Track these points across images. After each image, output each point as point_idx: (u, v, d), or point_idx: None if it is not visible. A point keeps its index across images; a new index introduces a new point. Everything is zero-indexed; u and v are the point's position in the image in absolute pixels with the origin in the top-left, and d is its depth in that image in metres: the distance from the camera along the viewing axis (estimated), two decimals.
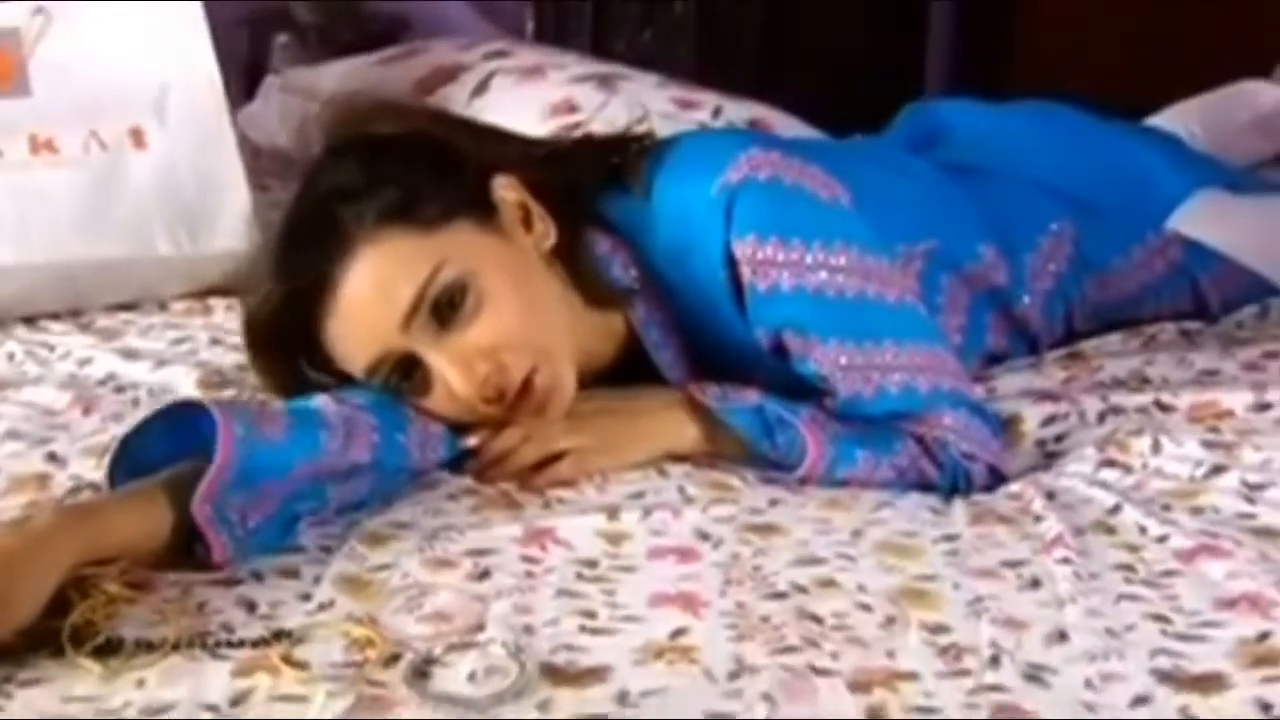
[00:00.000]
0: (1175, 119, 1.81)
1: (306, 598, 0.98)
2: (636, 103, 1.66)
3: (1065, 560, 1.01)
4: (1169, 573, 1.00)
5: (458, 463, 1.16)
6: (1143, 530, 1.06)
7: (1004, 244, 1.37)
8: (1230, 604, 0.96)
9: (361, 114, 1.24)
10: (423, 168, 1.14)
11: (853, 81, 2.77)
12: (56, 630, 0.91)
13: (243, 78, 2.42)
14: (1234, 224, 1.48)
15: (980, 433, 1.19)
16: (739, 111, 1.82)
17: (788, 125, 1.79)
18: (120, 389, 1.33)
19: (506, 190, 1.17)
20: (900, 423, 1.17)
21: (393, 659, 0.90)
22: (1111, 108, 1.64)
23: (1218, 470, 1.13)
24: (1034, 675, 0.88)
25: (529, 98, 1.79)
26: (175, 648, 0.91)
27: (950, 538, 1.07)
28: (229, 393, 1.29)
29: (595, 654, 0.91)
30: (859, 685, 0.87)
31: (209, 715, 0.85)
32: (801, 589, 0.99)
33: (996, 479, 1.19)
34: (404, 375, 1.12)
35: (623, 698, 0.86)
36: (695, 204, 1.19)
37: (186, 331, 1.49)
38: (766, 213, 1.17)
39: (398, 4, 2.82)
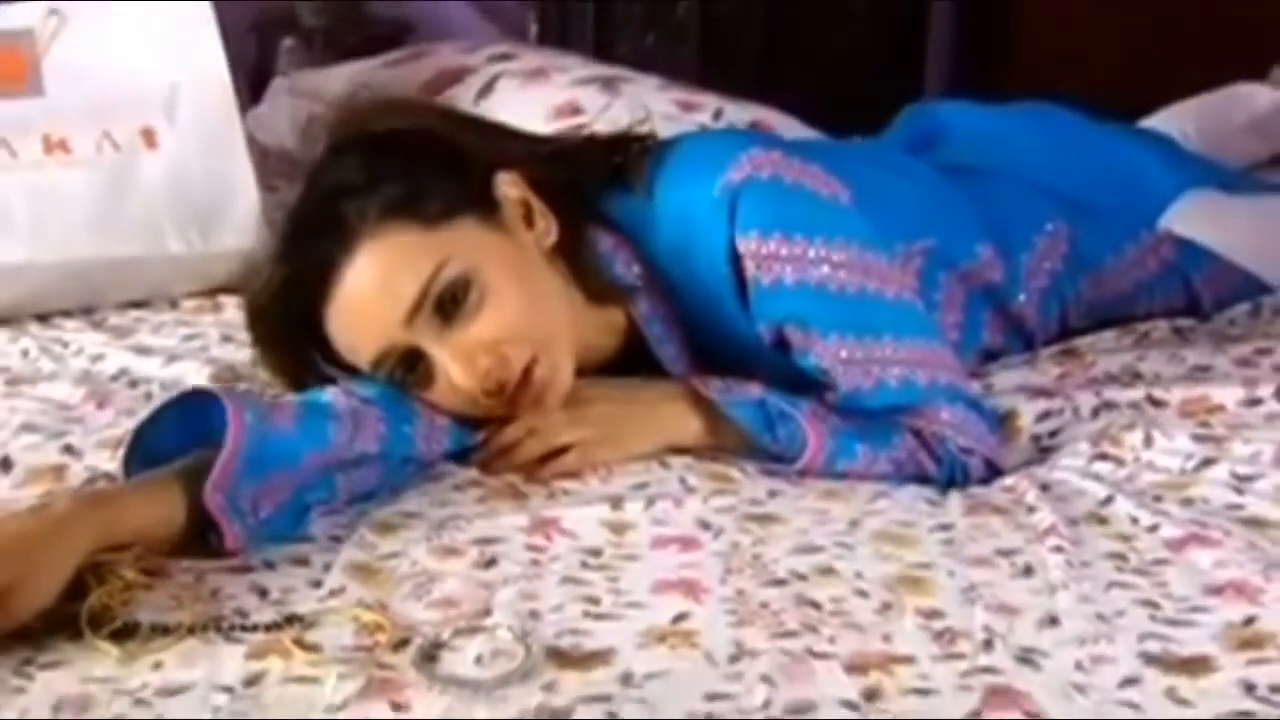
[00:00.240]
0: (1170, 120, 1.84)
1: (317, 584, 1.00)
2: (639, 105, 1.68)
3: (1058, 549, 1.04)
4: (1159, 561, 1.03)
5: (463, 454, 1.19)
6: (1134, 520, 1.09)
7: (1000, 243, 1.40)
8: (1218, 590, 0.98)
9: (366, 110, 1.26)
10: (427, 164, 1.16)
11: (853, 83, 2.79)
12: (75, 614, 0.93)
13: (249, 81, 2.44)
14: (1226, 223, 1.51)
15: (977, 427, 1.21)
16: (740, 113, 1.85)
17: (788, 127, 1.82)
18: (133, 384, 1.36)
19: (509, 187, 1.19)
20: (899, 417, 1.20)
21: (402, 643, 0.92)
22: (1108, 109, 1.67)
23: (1208, 463, 1.16)
24: (1026, 658, 0.90)
25: (533, 100, 1.81)
26: (190, 631, 0.93)
27: (946, 527, 1.10)
28: (241, 387, 1.31)
29: (599, 638, 0.93)
30: (856, 668, 0.90)
31: (224, 696, 0.87)
32: (800, 576, 1.01)
33: (993, 472, 1.21)
34: (408, 368, 1.15)
35: (626, 679, 0.89)
36: (698, 202, 1.21)
37: (197, 329, 1.51)
38: (769, 210, 1.20)
39: (402, 8, 2.85)
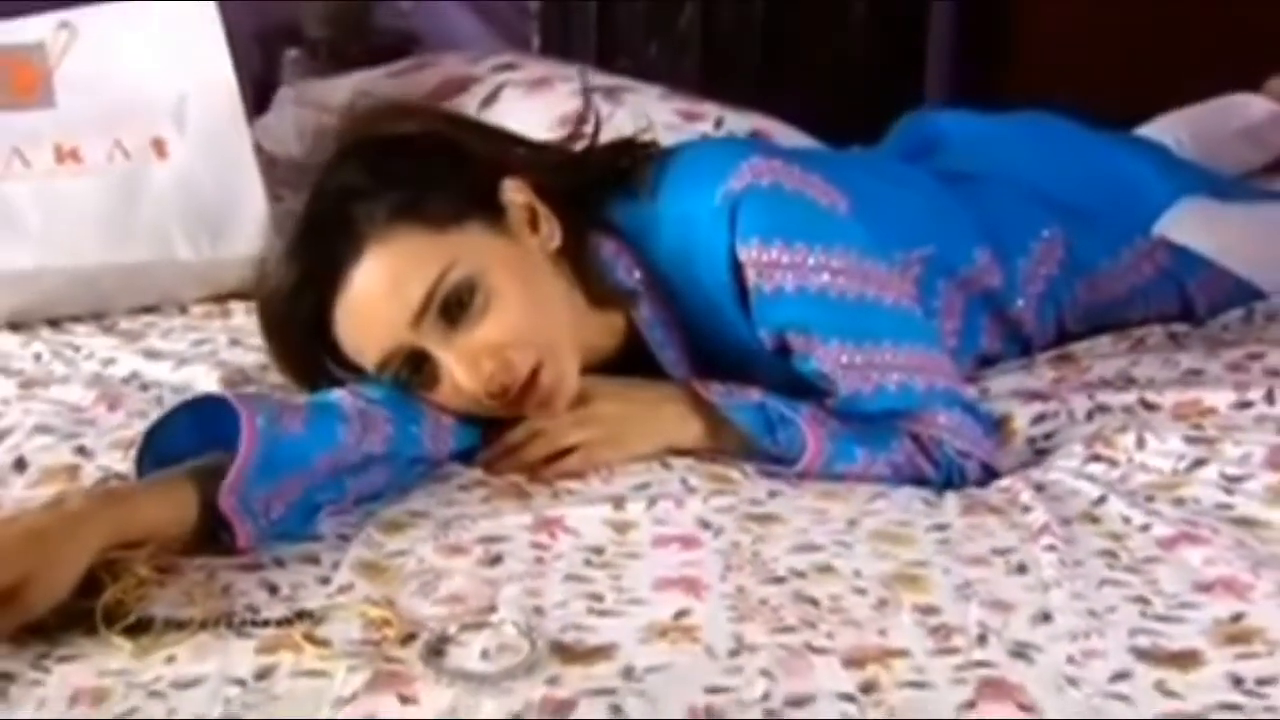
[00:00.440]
0: (1164, 128, 1.86)
1: (326, 581, 1.02)
2: (641, 114, 1.70)
3: (1051, 547, 1.06)
4: (1150, 559, 1.05)
5: (469, 454, 1.21)
6: (1126, 520, 1.11)
7: (998, 249, 1.42)
8: (1207, 587, 1.00)
9: (374, 114, 1.27)
10: (434, 168, 1.18)
11: (853, 92, 2.82)
12: (89, 610, 0.95)
13: (253, 92, 2.46)
14: (1219, 229, 1.53)
15: (974, 431, 1.23)
16: (740, 122, 1.87)
17: (788, 136, 1.84)
18: (144, 387, 1.38)
19: (515, 192, 1.21)
20: (897, 421, 1.22)
21: (409, 638, 0.94)
22: (1107, 116, 1.69)
23: (1199, 464, 1.18)
24: (1019, 652, 0.92)
25: (537, 109, 1.83)
26: (203, 626, 0.95)
27: (942, 527, 1.12)
28: (250, 389, 1.33)
29: (602, 633, 0.95)
30: (853, 662, 0.92)
31: (236, 689, 0.89)
32: (799, 574, 1.03)
33: (989, 475, 1.23)
34: (413, 369, 1.17)
35: (628, 673, 0.90)
36: (700, 210, 1.23)
37: (206, 334, 1.54)
38: (769, 218, 1.22)
39: (406, 19, 2.87)
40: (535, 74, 2.00)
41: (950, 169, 1.50)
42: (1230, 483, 1.15)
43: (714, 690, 0.89)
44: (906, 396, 1.22)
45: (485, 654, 0.93)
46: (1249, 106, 1.96)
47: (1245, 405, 1.27)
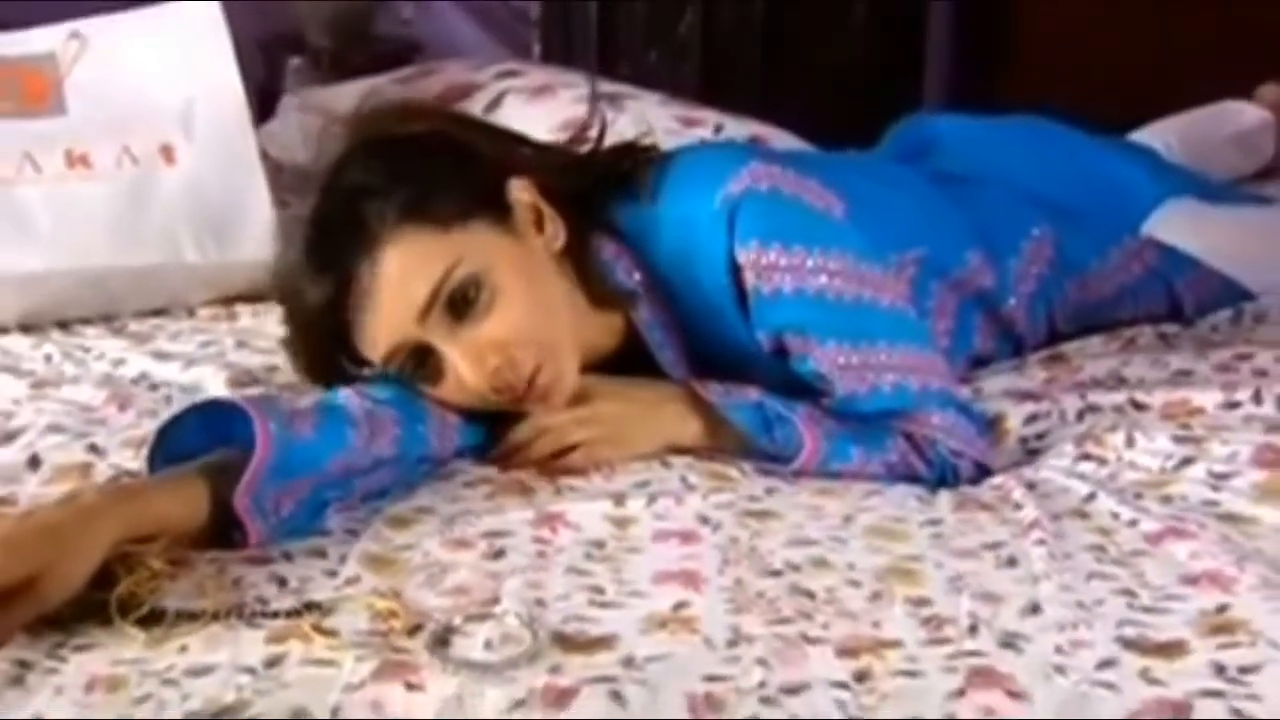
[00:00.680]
0: (1156, 134, 1.89)
1: (333, 574, 1.05)
2: (641, 120, 1.73)
3: (1041, 542, 1.08)
4: (1137, 553, 1.07)
5: (473, 451, 1.23)
6: (1115, 516, 1.13)
7: (989, 249, 1.45)
8: (1193, 580, 1.03)
9: (384, 114, 1.30)
10: (442, 167, 1.20)
11: (852, 98, 2.84)
12: (103, 601, 0.98)
13: (257, 99, 2.49)
14: (1206, 230, 1.56)
15: (967, 431, 1.26)
16: (739, 129, 1.90)
17: (785, 141, 1.87)
18: (153, 387, 1.41)
19: (521, 192, 1.23)
20: (892, 421, 1.24)
21: (415, 628, 0.97)
22: (1104, 120, 1.72)
23: (1187, 462, 1.21)
24: (1009, 642, 0.95)
25: (539, 116, 1.86)
26: (214, 618, 0.98)
27: (935, 522, 1.14)
28: (257, 390, 1.36)
29: (603, 624, 0.98)
30: (847, 651, 0.94)
31: (247, 677, 0.91)
32: (795, 567, 1.06)
33: (982, 474, 1.25)
34: (418, 364, 1.19)
35: (628, 662, 0.93)
36: (699, 214, 1.26)
37: (213, 336, 1.56)
38: (768, 221, 1.24)
39: (408, 27, 2.90)
40: (537, 81, 2.03)
41: (943, 171, 1.53)
42: (1217, 480, 1.18)
43: (712, 679, 0.91)
44: (901, 397, 1.24)
45: (489, 644, 0.95)
46: (1240, 113, 1.99)
47: (1233, 405, 1.30)
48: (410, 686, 0.90)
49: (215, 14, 1.77)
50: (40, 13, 1.75)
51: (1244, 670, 0.91)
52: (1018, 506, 1.16)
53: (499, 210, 1.22)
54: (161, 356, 1.48)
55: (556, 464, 1.21)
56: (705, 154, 1.40)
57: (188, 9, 1.77)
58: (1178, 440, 1.24)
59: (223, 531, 1.07)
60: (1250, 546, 1.07)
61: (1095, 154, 1.63)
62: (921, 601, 1.01)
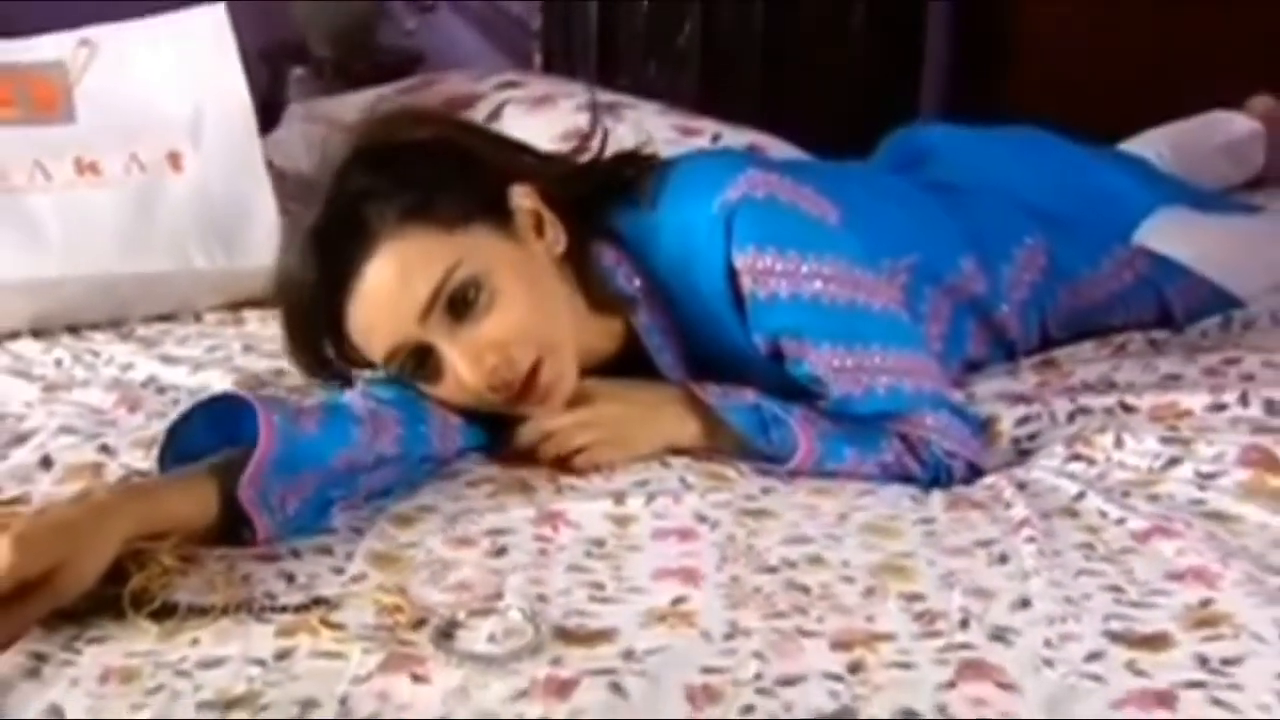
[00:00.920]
0: (1147, 143, 1.92)
1: (340, 571, 1.07)
2: (641, 129, 1.76)
3: (1031, 539, 1.11)
4: (1125, 550, 1.10)
5: (476, 452, 1.26)
6: (1103, 514, 1.16)
7: (982, 256, 1.47)
8: (1179, 576, 1.05)
9: (391, 120, 1.32)
10: (445, 172, 1.23)
11: (849, 109, 2.87)
12: (116, 596, 1.00)
13: (260, 110, 2.51)
14: (1196, 238, 1.59)
15: (960, 432, 1.28)
16: (737, 138, 1.93)
17: (782, 150, 1.90)
18: (162, 390, 1.43)
19: (522, 198, 1.26)
20: (886, 422, 1.27)
21: (420, 623, 0.99)
22: (1101, 131, 1.75)
23: (1174, 462, 1.23)
24: (999, 636, 0.97)
25: (539, 125, 1.88)
26: (224, 612, 1.00)
27: (928, 520, 1.17)
28: (264, 393, 1.38)
29: (603, 619, 1.00)
30: (841, 644, 0.97)
31: (257, 668, 0.94)
32: (791, 564, 1.08)
33: (975, 474, 1.28)
34: (418, 363, 1.22)
35: (628, 655, 0.95)
36: (697, 220, 1.28)
37: (220, 340, 1.59)
38: (764, 227, 1.27)
39: (410, 38, 2.92)
40: (537, 91, 2.06)
41: (937, 180, 1.56)
42: (1204, 480, 1.20)
43: (709, 671, 0.94)
44: (895, 398, 1.27)
45: (492, 637, 0.98)
46: (1231, 123, 2.02)
47: (1220, 408, 1.32)
48: (416, 678, 0.93)
49: (223, 23, 1.80)
50: (51, 20, 1.78)
51: (1226, 662, 0.93)
52: (1009, 505, 1.18)
53: (501, 215, 1.24)
54: (170, 360, 1.51)
55: (562, 466, 1.24)
56: (703, 162, 1.43)
57: (195, 18, 1.81)
58: (1165, 441, 1.26)
59: (232, 529, 1.10)
60: (1235, 544, 1.10)
61: (1087, 164, 1.65)
62: (914, 597, 1.03)
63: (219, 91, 1.77)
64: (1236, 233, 1.67)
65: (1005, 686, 0.92)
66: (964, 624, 0.99)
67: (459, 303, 1.19)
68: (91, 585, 0.99)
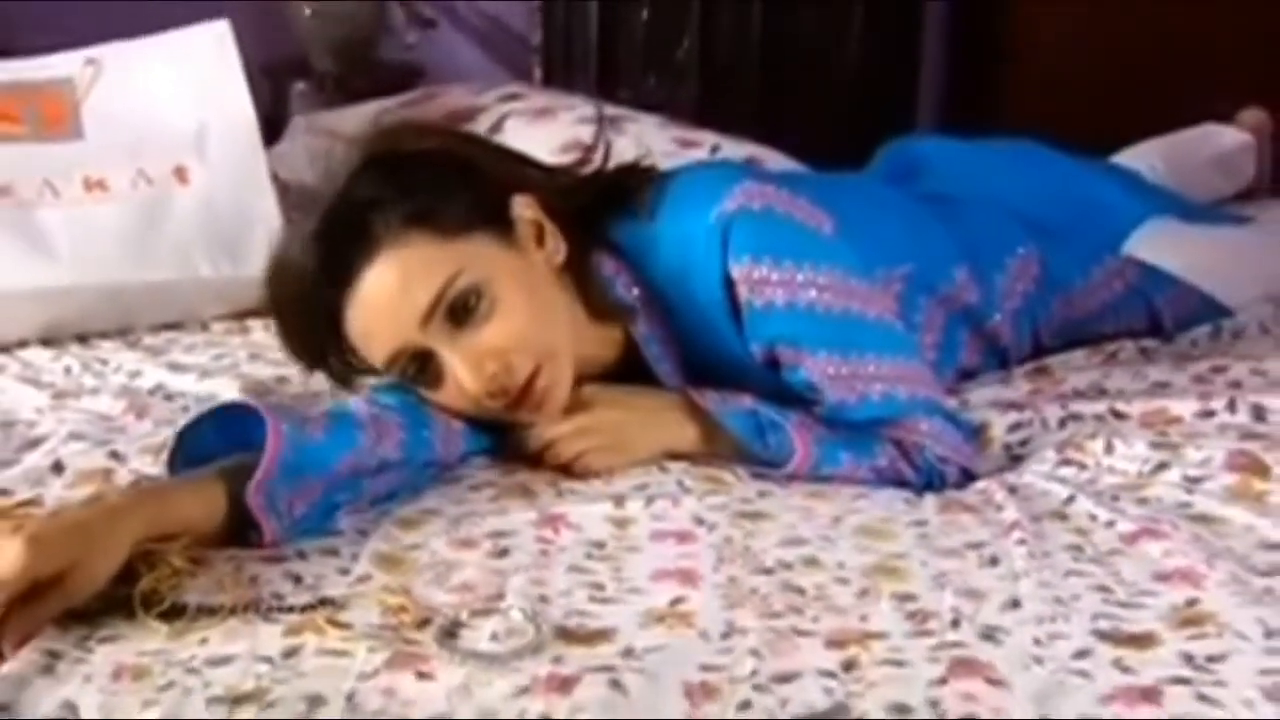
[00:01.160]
0: (1139, 156, 1.95)
1: (346, 572, 1.10)
2: (640, 142, 1.78)
3: (1021, 541, 1.13)
4: (1113, 552, 1.12)
5: (479, 457, 1.29)
6: (1093, 517, 1.18)
7: (975, 266, 1.50)
8: (1165, 577, 1.07)
9: (397, 131, 1.35)
10: (448, 182, 1.25)
11: (846, 123, 2.89)
12: (127, 596, 1.02)
13: (263, 123, 2.54)
14: (1185, 249, 1.62)
15: (953, 438, 1.31)
16: (735, 150, 1.95)
17: (779, 162, 1.92)
18: (169, 397, 1.46)
19: (524, 208, 1.29)
20: (881, 428, 1.29)
21: (424, 622, 1.01)
22: (1092, 143, 1.77)
23: (1162, 466, 1.26)
24: (989, 635, 1.00)
25: (540, 137, 1.91)
26: (233, 612, 1.03)
27: (920, 523, 1.19)
28: (269, 400, 1.41)
29: (603, 618, 1.02)
30: (835, 643, 0.99)
31: (265, 666, 0.96)
32: (787, 565, 1.11)
33: (968, 479, 1.30)
34: (419, 369, 1.24)
35: (628, 653, 0.98)
36: (695, 231, 1.31)
37: (226, 349, 1.62)
38: (760, 238, 1.29)
39: (411, 52, 2.95)
40: (538, 104, 2.08)
41: (931, 191, 1.58)
42: (1191, 484, 1.23)
43: (707, 668, 0.96)
44: (890, 405, 1.29)
45: (495, 636, 1.00)
46: (1221, 136, 2.04)
47: (1208, 414, 1.35)
48: (421, 675, 0.95)
49: (227, 40, 1.84)
50: (58, 39, 1.81)
51: (1211, 659, 0.96)
52: (1000, 508, 1.21)
53: (502, 224, 1.27)
54: (177, 368, 1.53)
55: (564, 470, 1.26)
56: (701, 174, 1.46)
57: (200, 35, 1.84)
58: (1154, 446, 1.28)
59: (240, 531, 1.12)
60: (1220, 545, 1.12)
61: (1078, 176, 1.68)
62: (907, 597, 1.05)
63: (224, 106, 1.80)
64: (1225, 243, 1.70)
65: (995, 683, 0.94)
66: (955, 623, 1.01)
67: (460, 310, 1.22)
68: (103, 586, 1.02)
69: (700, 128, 2.07)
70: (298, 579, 1.08)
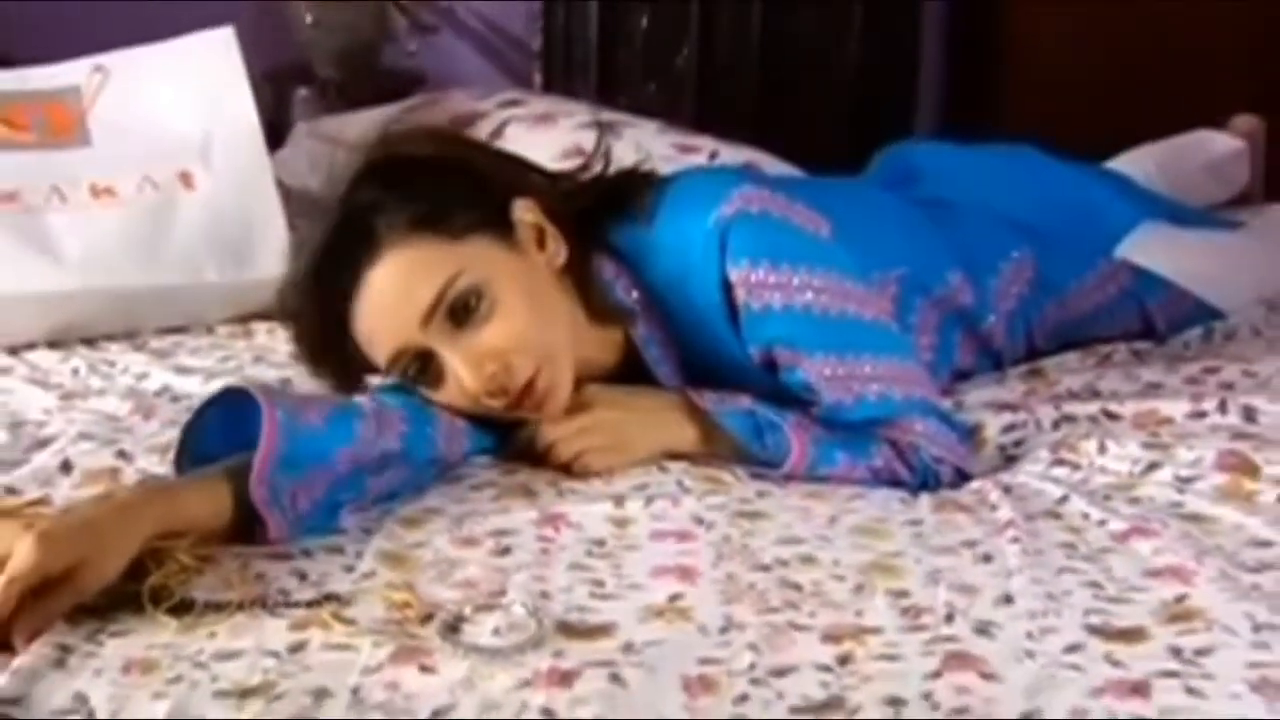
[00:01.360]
0: (1133, 162, 1.97)
1: (351, 569, 1.11)
2: (640, 147, 1.80)
3: (1015, 540, 1.15)
4: (1105, 550, 1.14)
5: (481, 456, 1.30)
6: (1085, 516, 1.20)
7: (970, 269, 1.52)
8: (1156, 574, 1.09)
9: (402, 137, 1.37)
10: (450, 186, 1.27)
11: (844, 130, 2.91)
12: (136, 592, 1.04)
13: (265, 129, 2.56)
14: (1177, 253, 1.64)
15: (948, 438, 1.33)
16: (733, 155, 1.97)
17: (777, 168, 1.94)
18: (175, 399, 1.48)
19: (524, 212, 1.31)
20: (876, 428, 1.31)
21: (428, 617, 1.03)
22: (1087, 149, 1.79)
23: (1154, 467, 1.28)
24: (982, 629, 1.02)
25: (541, 143, 1.93)
26: (240, 608, 1.05)
27: (915, 522, 1.21)
28: None
29: (603, 614, 1.04)
30: (831, 637, 1.01)
31: (272, 660, 0.98)
32: (784, 563, 1.13)
33: (962, 479, 1.32)
34: (421, 368, 1.26)
35: (628, 647, 1.00)
36: (693, 235, 1.33)
37: (231, 352, 1.64)
38: (758, 241, 1.31)
39: (413, 60, 2.97)
40: (539, 110, 2.10)
41: (926, 196, 1.60)
42: (1182, 483, 1.25)
43: (705, 662, 0.98)
44: (885, 405, 1.31)
45: (497, 631, 1.02)
46: (1214, 142, 2.06)
47: (1200, 415, 1.37)
48: (424, 669, 0.97)
49: (231, 47, 1.86)
50: (67, 47, 1.84)
51: (1199, 653, 0.97)
52: (994, 508, 1.23)
53: (503, 227, 1.29)
54: (183, 371, 1.56)
55: (565, 470, 1.28)
56: (699, 179, 1.48)
57: (205, 42, 1.86)
58: (1146, 446, 1.30)
59: (246, 529, 1.14)
60: (1210, 543, 1.14)
61: (1072, 180, 1.70)
62: (901, 593, 1.07)
63: (229, 112, 1.83)
64: (1217, 247, 1.72)
65: (988, 676, 0.96)
66: (949, 618, 1.03)
67: (460, 310, 1.24)
68: (112, 581, 1.04)
69: (699, 133, 2.08)
70: (303, 576, 1.10)
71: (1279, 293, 1.74)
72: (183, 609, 1.04)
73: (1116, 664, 0.97)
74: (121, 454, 1.30)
